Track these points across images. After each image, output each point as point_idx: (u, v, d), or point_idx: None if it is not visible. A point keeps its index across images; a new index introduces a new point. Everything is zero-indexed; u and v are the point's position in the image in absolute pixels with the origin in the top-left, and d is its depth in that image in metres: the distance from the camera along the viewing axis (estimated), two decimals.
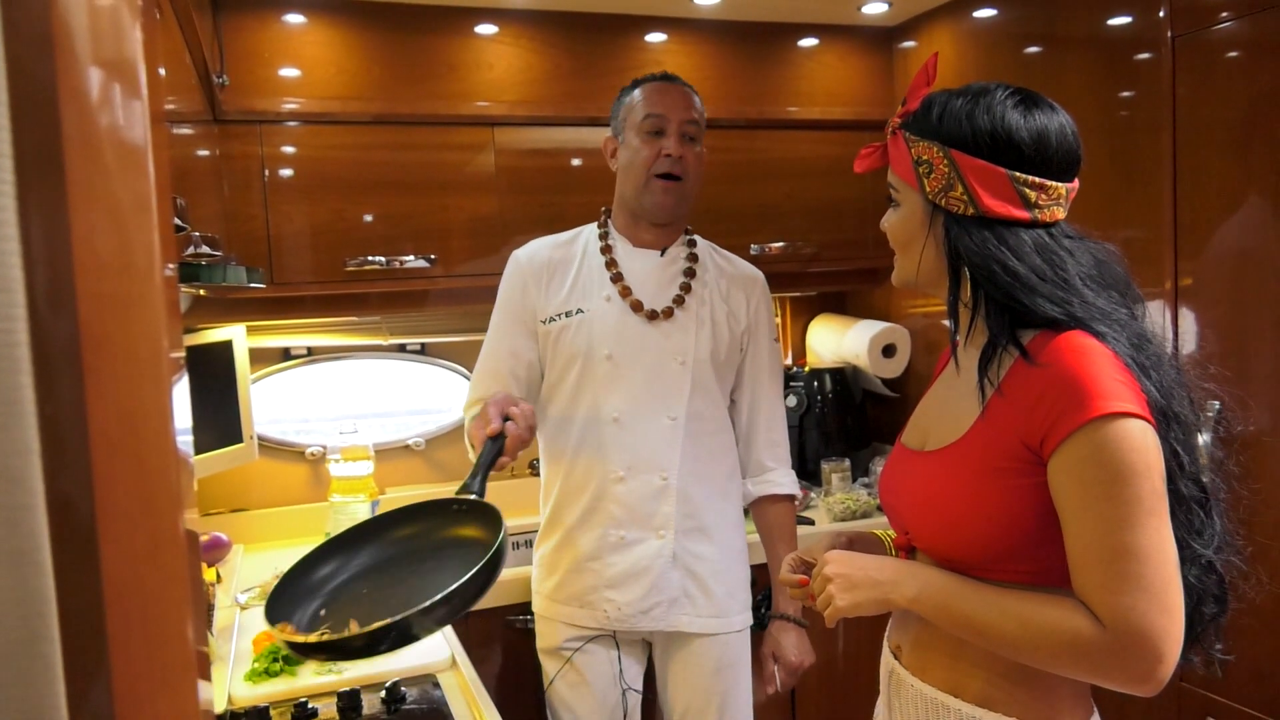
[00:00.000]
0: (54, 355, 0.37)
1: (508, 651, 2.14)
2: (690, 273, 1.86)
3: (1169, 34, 1.93)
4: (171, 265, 0.60)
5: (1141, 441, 1.01)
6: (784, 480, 1.92)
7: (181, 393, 0.57)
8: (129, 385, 0.43)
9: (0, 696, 0.35)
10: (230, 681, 1.66)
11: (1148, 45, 1.99)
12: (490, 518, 1.35)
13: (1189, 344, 1.94)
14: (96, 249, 0.39)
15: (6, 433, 0.35)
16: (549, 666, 1.87)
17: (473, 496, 1.41)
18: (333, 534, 2.37)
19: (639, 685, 1.89)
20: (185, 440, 0.56)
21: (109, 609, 0.39)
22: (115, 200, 0.41)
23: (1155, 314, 1.96)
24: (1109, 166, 2.08)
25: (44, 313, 0.36)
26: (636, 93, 1.83)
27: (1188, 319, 1.94)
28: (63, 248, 0.37)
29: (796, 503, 1.97)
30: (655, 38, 2.52)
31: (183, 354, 0.62)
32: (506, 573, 2.18)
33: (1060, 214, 1.12)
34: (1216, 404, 1.78)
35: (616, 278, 1.83)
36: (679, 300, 1.83)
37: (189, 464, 0.59)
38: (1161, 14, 1.95)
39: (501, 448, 1.51)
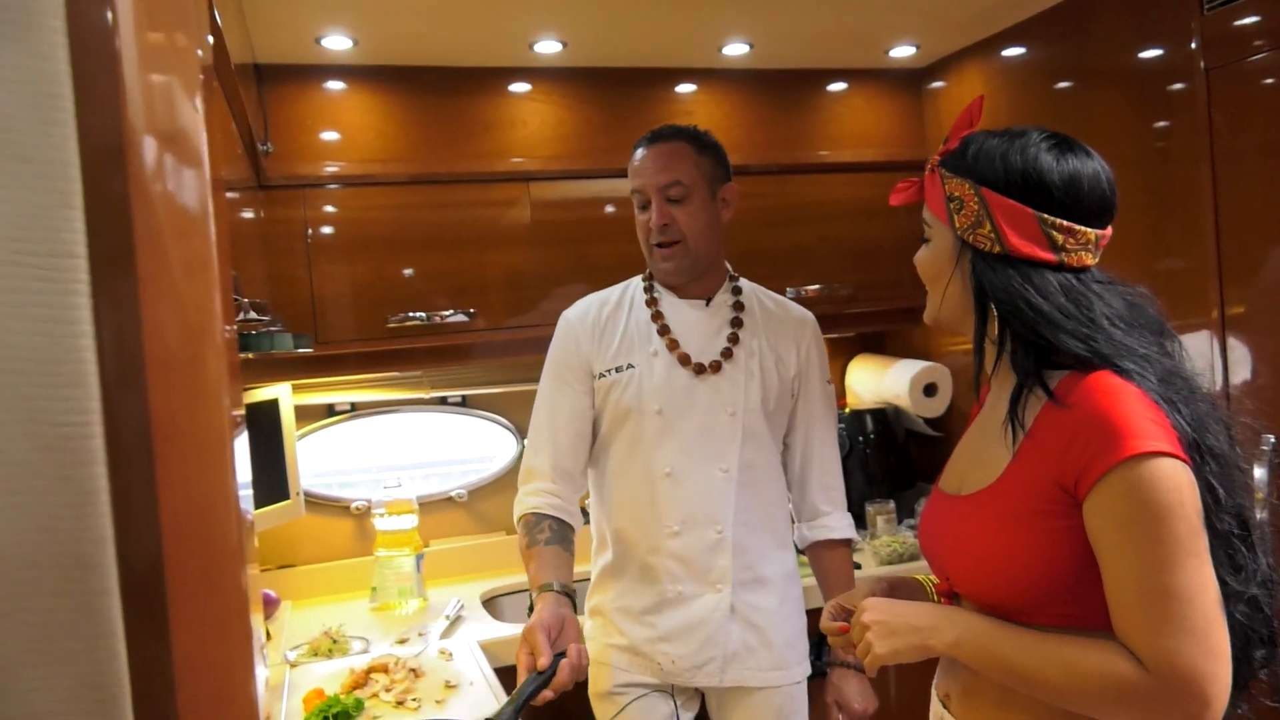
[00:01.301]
0: (126, 443, 0.38)
1: (555, 700, 2.12)
2: (737, 322, 1.84)
3: (1202, 65, 1.93)
4: (230, 327, 0.62)
5: (1176, 480, 0.99)
6: (839, 524, 1.89)
7: (242, 449, 0.58)
8: (197, 465, 0.44)
9: None
10: None
11: (1180, 76, 1.99)
12: None
13: (1239, 375, 1.90)
14: (165, 337, 0.41)
15: (82, 521, 0.36)
16: (600, 712, 1.85)
17: None
18: (377, 589, 2.38)
19: None
20: (246, 497, 0.57)
21: (179, 684, 0.40)
22: (182, 289, 0.43)
23: (1202, 345, 1.93)
24: (1147, 198, 2.07)
25: (116, 403, 0.37)
26: (631, 158, 1.82)
27: (1236, 349, 1.91)
28: (133, 339, 0.39)
29: (853, 547, 1.94)
30: (685, 89, 2.56)
31: (242, 411, 0.64)
32: None
33: (1089, 260, 1.12)
34: (1271, 438, 1.74)
35: (663, 330, 1.82)
36: (727, 353, 1.81)
37: (249, 521, 0.61)
38: (1193, 45, 1.94)
39: (546, 683, 1.45)
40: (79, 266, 0.36)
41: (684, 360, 1.79)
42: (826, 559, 1.89)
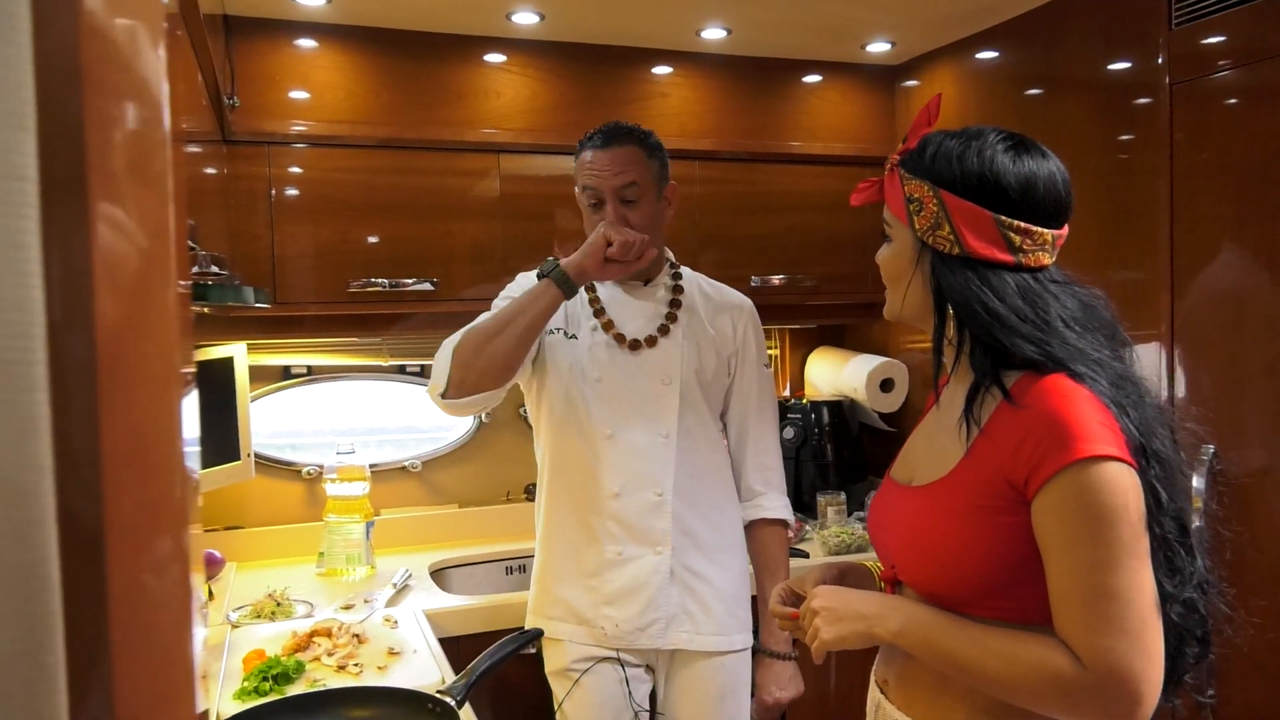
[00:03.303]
0: (70, 373, 0.38)
1: (511, 676, 2.14)
2: (675, 303, 1.90)
3: (1167, 80, 1.96)
4: (184, 283, 0.61)
5: (1121, 484, 1.02)
6: (771, 504, 1.93)
7: (190, 408, 0.58)
8: (141, 404, 0.44)
9: (3, 705, 0.36)
10: (219, 699, 1.65)
11: (1146, 91, 2.02)
12: None
13: (1184, 385, 1.95)
14: (115, 270, 0.40)
15: (21, 449, 0.36)
16: (557, 688, 1.88)
17: (451, 702, 1.41)
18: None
19: (647, 706, 1.89)
20: (193, 455, 0.57)
21: (113, 622, 0.40)
22: (136, 224, 0.42)
23: (1151, 355, 1.98)
24: (1107, 208, 2.11)
25: (62, 332, 0.37)
26: (581, 157, 1.84)
27: (1183, 360, 1.96)
28: (82, 269, 0.38)
29: (790, 529, 1.98)
30: (661, 70, 2.56)
31: (193, 369, 0.64)
32: (506, 597, 2.19)
33: (1046, 259, 1.14)
34: (1211, 448, 1.79)
35: (599, 313, 1.88)
36: (663, 329, 1.87)
37: (195, 480, 0.60)
38: (1160, 60, 1.98)
39: (501, 662, 1.54)
40: (29, 190, 0.36)
41: (619, 339, 1.85)
42: (758, 539, 1.94)
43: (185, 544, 0.54)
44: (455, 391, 1.72)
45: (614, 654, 1.84)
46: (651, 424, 1.83)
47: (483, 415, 2.69)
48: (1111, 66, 2.11)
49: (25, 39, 0.35)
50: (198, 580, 0.65)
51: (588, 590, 1.83)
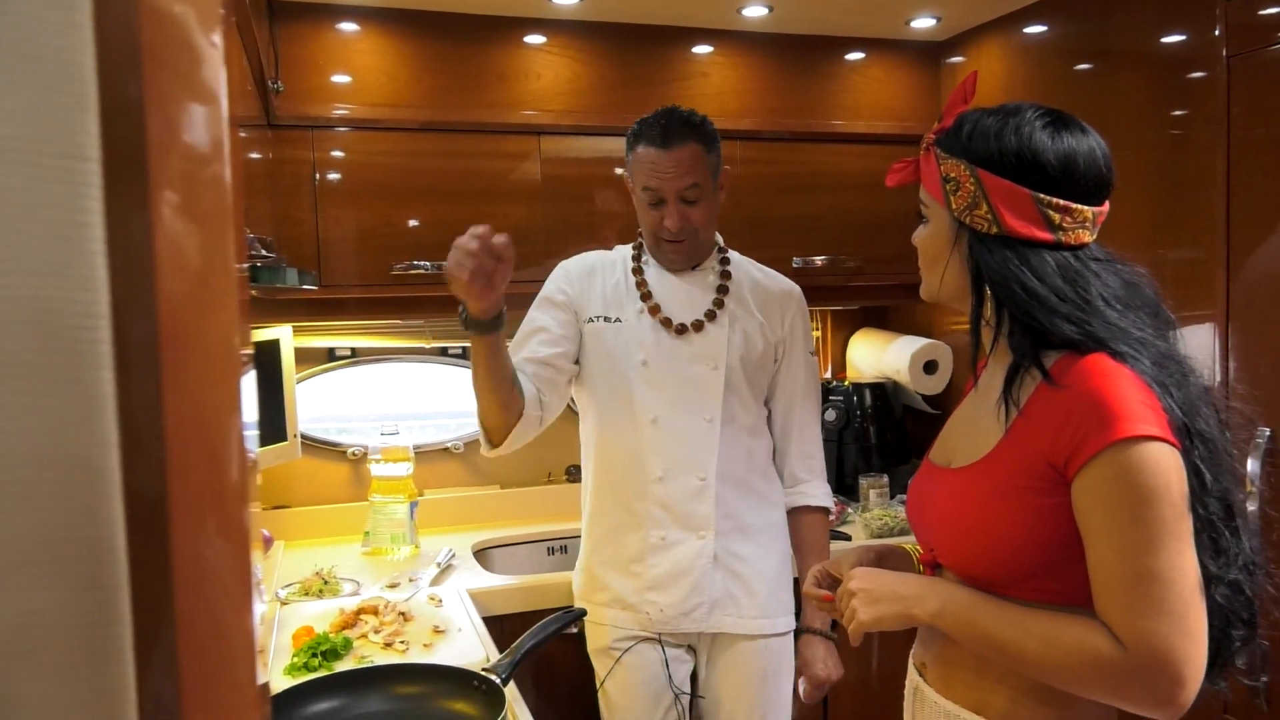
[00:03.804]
0: (134, 352, 0.38)
1: (554, 654, 2.16)
2: (723, 289, 1.89)
3: (1224, 53, 1.91)
4: (243, 265, 0.62)
5: (1164, 465, 1.00)
6: (815, 492, 1.93)
7: (249, 389, 0.59)
8: (203, 382, 0.45)
9: (75, 674, 0.37)
10: (269, 675, 1.69)
11: (1202, 64, 1.97)
12: (497, 709, 1.35)
13: (1240, 366, 1.90)
14: (177, 250, 0.41)
15: (88, 426, 0.37)
16: (599, 667, 1.90)
17: (496, 680, 1.42)
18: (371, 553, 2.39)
19: (687, 688, 1.91)
20: (251, 435, 0.58)
21: (178, 595, 0.41)
22: (195, 204, 0.43)
23: (1205, 335, 1.93)
24: (1160, 185, 2.05)
25: (125, 311, 0.38)
26: (637, 151, 1.80)
27: (1239, 340, 1.91)
28: (145, 249, 0.39)
29: (831, 516, 1.98)
30: (702, 49, 2.54)
31: (251, 351, 0.65)
32: (548, 577, 2.21)
33: (1086, 237, 1.12)
34: (1266, 430, 1.75)
35: (646, 296, 1.87)
36: (710, 314, 1.87)
37: (254, 459, 0.61)
38: (1216, 32, 1.92)
39: (556, 632, 1.57)
40: (92, 170, 0.36)
41: (665, 324, 1.85)
42: (802, 526, 1.94)
43: (245, 521, 0.55)
44: (497, 442, 1.73)
45: (655, 635, 1.85)
46: (696, 408, 1.83)
47: None
48: (1166, 39, 2.06)
49: (86, 19, 0.36)
50: (257, 556, 0.66)
51: (631, 576, 1.84)
